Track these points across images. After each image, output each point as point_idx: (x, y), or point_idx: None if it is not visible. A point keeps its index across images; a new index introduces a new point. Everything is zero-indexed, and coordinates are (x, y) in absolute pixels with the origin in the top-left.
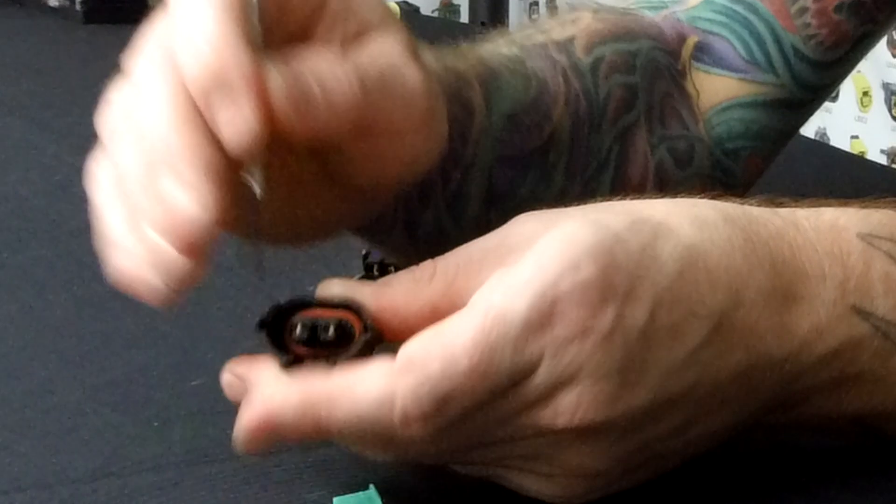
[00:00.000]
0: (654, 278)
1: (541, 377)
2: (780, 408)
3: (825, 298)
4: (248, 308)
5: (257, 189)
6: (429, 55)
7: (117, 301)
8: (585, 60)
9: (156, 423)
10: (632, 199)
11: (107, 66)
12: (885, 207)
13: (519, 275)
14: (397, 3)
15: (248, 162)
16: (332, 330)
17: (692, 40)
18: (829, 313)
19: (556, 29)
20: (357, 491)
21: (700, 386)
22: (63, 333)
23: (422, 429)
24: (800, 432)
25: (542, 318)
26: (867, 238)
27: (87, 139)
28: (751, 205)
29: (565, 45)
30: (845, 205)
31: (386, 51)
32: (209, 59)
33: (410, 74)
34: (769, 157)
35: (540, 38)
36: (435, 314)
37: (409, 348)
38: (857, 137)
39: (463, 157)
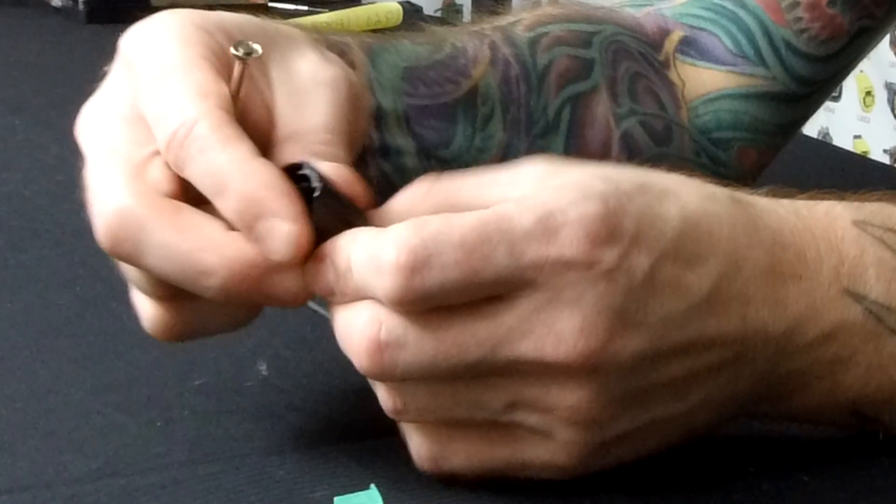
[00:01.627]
0: (660, 231)
1: (540, 296)
2: (776, 396)
3: (820, 280)
4: None
5: None
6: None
7: (120, 301)
8: (524, 35)
9: (159, 423)
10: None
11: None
12: (878, 200)
13: (534, 195)
14: (400, 2)
15: None
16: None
17: (676, 35)
18: (824, 295)
19: (506, 17)
20: (358, 490)
21: (698, 343)
22: (66, 333)
23: (395, 283)
24: (800, 423)
25: (546, 233)
26: (861, 225)
27: None
28: (759, 195)
29: (503, 27)
30: (842, 197)
31: (304, 71)
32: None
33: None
34: (767, 150)
35: (482, 24)
36: None
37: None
38: (859, 137)
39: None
